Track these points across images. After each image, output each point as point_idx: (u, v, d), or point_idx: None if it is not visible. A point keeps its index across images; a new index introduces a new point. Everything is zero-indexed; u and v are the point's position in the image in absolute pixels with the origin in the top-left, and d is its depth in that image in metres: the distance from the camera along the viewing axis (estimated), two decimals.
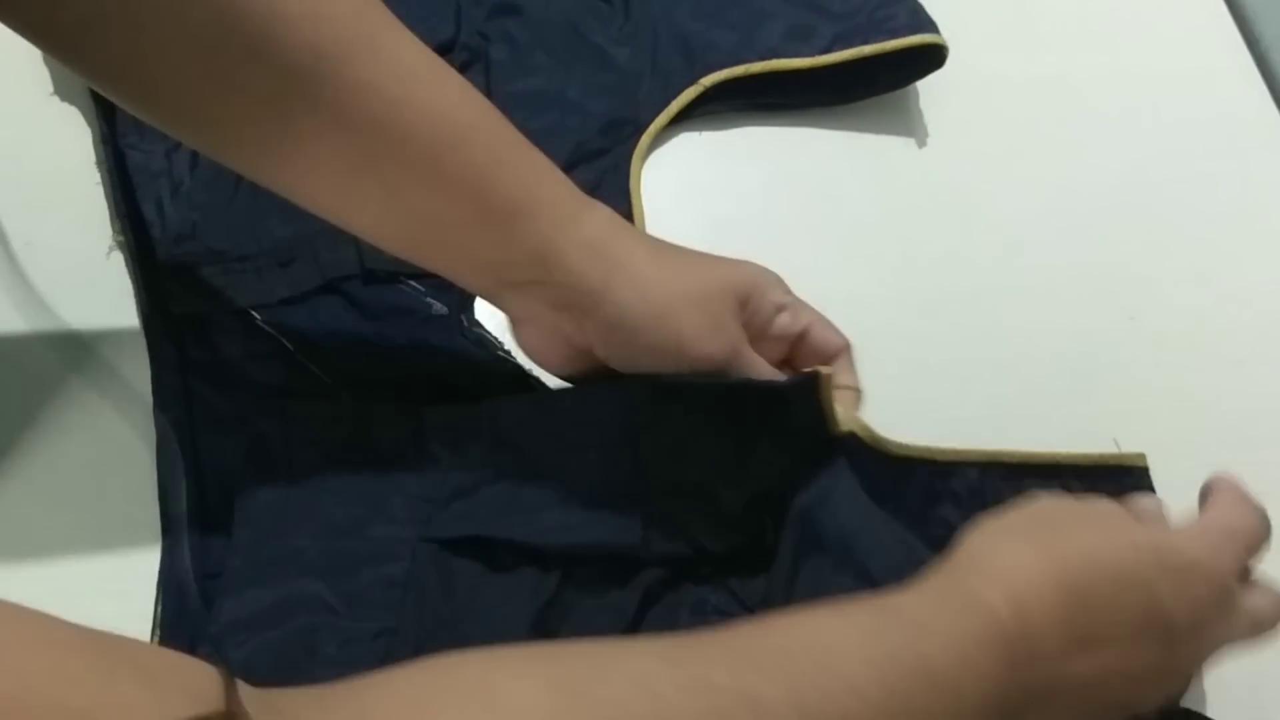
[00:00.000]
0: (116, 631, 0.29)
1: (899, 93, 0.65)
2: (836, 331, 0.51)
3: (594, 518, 0.49)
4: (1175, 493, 0.54)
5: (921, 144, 0.65)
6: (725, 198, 0.63)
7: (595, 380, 0.49)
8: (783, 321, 0.49)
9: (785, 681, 0.31)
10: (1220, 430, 0.57)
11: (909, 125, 0.66)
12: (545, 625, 0.48)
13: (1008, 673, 0.34)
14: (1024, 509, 0.39)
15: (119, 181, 0.56)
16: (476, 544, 0.49)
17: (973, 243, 0.62)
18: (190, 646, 0.47)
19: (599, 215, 0.46)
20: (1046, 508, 0.39)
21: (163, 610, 0.48)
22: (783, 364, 0.50)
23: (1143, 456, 0.51)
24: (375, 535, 0.49)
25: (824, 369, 0.46)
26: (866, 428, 0.47)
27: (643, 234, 0.47)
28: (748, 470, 0.47)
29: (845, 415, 0.47)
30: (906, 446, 0.48)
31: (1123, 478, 0.50)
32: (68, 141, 0.58)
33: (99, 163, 0.57)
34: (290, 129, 0.41)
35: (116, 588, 0.49)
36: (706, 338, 0.45)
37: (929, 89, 0.65)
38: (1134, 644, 0.36)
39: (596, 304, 0.45)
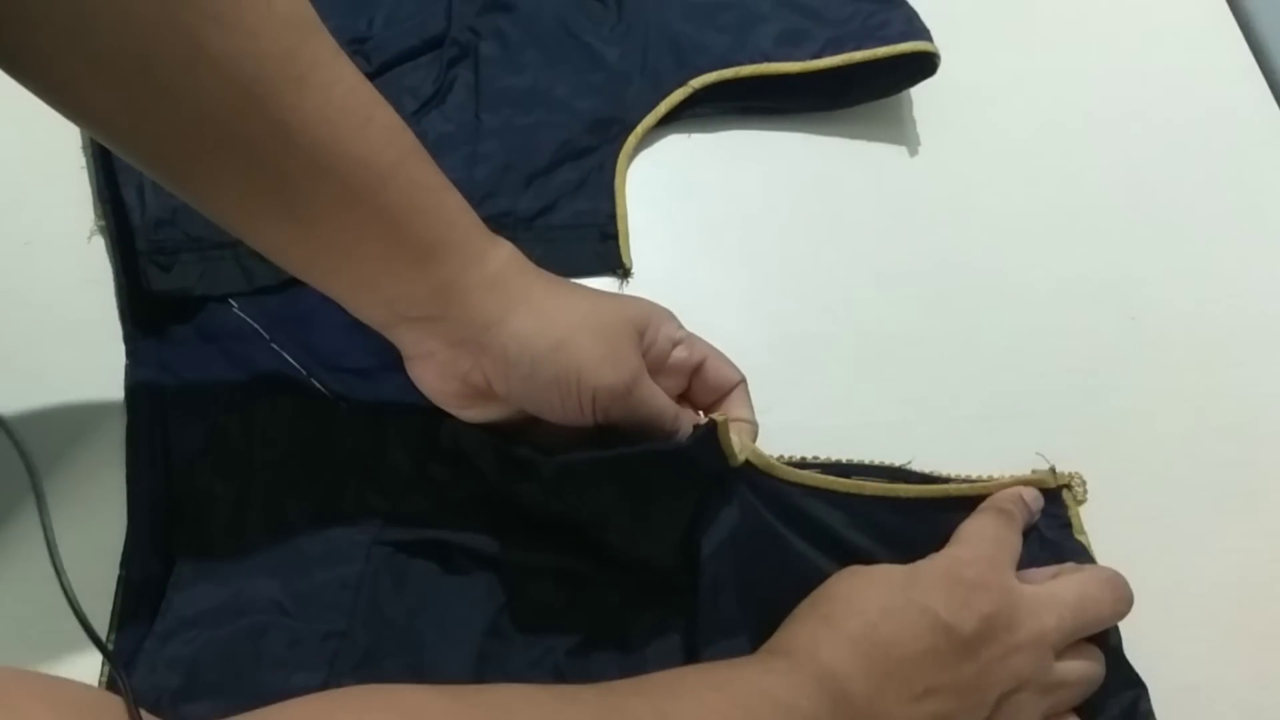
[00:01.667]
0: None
1: (891, 98, 0.65)
2: (732, 366, 0.51)
3: (547, 541, 0.49)
4: (1176, 493, 0.54)
5: (914, 149, 0.65)
6: (712, 200, 0.62)
7: (496, 421, 0.49)
8: (680, 355, 0.49)
9: None
10: (1221, 431, 0.57)
11: (901, 129, 0.65)
12: (499, 629, 0.48)
13: (831, 709, 0.41)
14: (824, 592, 0.46)
15: (102, 166, 0.56)
16: (432, 547, 0.49)
17: (969, 246, 0.62)
18: (149, 628, 0.47)
19: (502, 252, 0.46)
20: (837, 588, 0.46)
21: (123, 595, 0.48)
22: (680, 398, 0.50)
23: (1060, 474, 0.51)
24: (330, 536, 0.49)
25: (719, 416, 0.46)
26: (761, 456, 0.48)
27: (541, 270, 0.47)
28: (657, 522, 0.47)
29: (742, 445, 0.47)
30: (800, 473, 0.49)
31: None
32: (61, 127, 0.58)
33: (84, 147, 0.58)
34: (200, 158, 0.40)
35: (83, 565, 0.49)
36: (607, 367, 0.45)
37: (922, 93, 0.65)
38: (936, 661, 0.42)
39: (495, 337, 0.44)
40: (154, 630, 0.46)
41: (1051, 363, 0.58)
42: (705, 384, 0.50)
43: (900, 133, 0.65)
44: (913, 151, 0.65)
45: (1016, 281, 0.61)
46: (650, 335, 0.48)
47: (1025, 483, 0.50)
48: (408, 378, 0.51)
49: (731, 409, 0.50)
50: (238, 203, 0.42)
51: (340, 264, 0.44)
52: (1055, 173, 0.64)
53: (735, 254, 0.61)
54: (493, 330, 0.44)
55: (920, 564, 0.46)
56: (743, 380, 0.51)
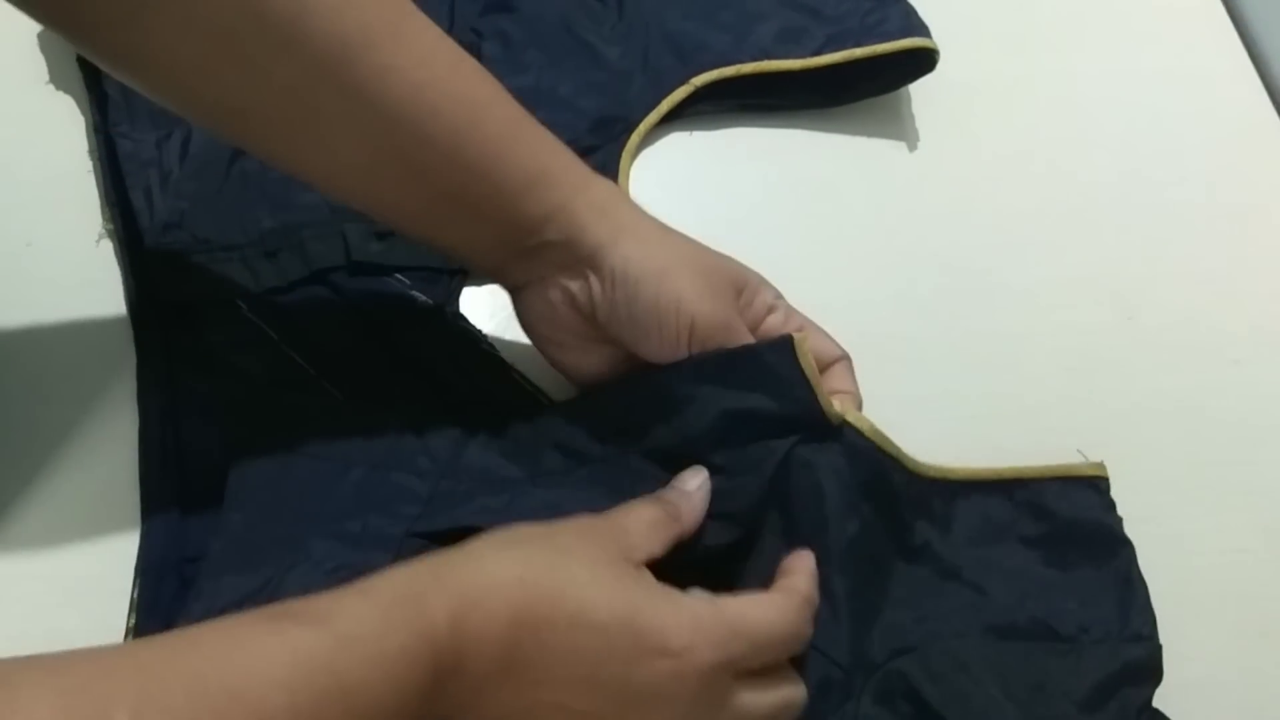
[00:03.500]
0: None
1: (891, 95, 0.65)
2: (833, 342, 0.51)
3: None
4: (1174, 493, 0.55)
5: (913, 146, 0.65)
6: (715, 198, 0.63)
7: (589, 371, 0.50)
8: (774, 321, 0.50)
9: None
10: (1219, 430, 0.57)
11: (901, 127, 0.66)
12: None
13: (431, 685, 0.34)
14: (552, 527, 0.41)
15: (109, 170, 0.56)
16: (464, 537, 0.49)
17: (967, 244, 0.62)
18: (166, 629, 0.47)
19: (606, 184, 0.48)
20: (569, 533, 0.41)
21: (140, 593, 0.49)
22: None
23: (1102, 466, 0.51)
24: (359, 529, 0.49)
25: (796, 333, 0.46)
26: (865, 420, 0.48)
27: (642, 208, 0.49)
28: (736, 437, 0.47)
29: (847, 410, 0.47)
30: (929, 466, 0.49)
31: (1084, 488, 0.51)
32: (66, 130, 0.59)
33: (91, 151, 0.58)
34: (317, 116, 0.43)
35: (97, 570, 0.49)
36: (707, 299, 0.46)
37: (921, 91, 0.65)
38: (569, 692, 0.37)
39: (605, 258, 0.46)
40: (179, 619, 0.46)
41: (1051, 363, 0.58)
42: None
43: (900, 129, 0.66)
44: (912, 148, 0.65)
45: (1016, 280, 0.61)
46: (747, 295, 0.49)
47: (1066, 475, 0.51)
48: (416, 378, 0.52)
49: (832, 382, 0.50)
50: (355, 164, 0.45)
51: (456, 210, 0.46)
52: (1054, 170, 0.65)
53: (736, 250, 0.61)
54: (602, 251, 0.46)
55: (660, 603, 0.39)
56: (845, 356, 0.51)
